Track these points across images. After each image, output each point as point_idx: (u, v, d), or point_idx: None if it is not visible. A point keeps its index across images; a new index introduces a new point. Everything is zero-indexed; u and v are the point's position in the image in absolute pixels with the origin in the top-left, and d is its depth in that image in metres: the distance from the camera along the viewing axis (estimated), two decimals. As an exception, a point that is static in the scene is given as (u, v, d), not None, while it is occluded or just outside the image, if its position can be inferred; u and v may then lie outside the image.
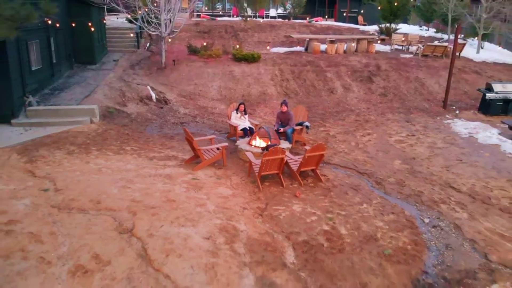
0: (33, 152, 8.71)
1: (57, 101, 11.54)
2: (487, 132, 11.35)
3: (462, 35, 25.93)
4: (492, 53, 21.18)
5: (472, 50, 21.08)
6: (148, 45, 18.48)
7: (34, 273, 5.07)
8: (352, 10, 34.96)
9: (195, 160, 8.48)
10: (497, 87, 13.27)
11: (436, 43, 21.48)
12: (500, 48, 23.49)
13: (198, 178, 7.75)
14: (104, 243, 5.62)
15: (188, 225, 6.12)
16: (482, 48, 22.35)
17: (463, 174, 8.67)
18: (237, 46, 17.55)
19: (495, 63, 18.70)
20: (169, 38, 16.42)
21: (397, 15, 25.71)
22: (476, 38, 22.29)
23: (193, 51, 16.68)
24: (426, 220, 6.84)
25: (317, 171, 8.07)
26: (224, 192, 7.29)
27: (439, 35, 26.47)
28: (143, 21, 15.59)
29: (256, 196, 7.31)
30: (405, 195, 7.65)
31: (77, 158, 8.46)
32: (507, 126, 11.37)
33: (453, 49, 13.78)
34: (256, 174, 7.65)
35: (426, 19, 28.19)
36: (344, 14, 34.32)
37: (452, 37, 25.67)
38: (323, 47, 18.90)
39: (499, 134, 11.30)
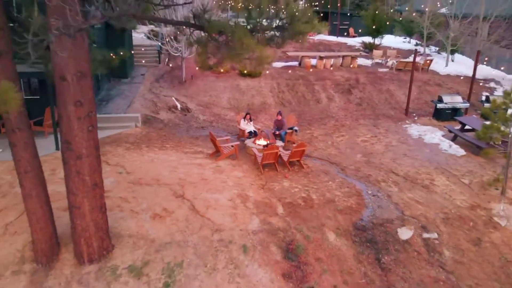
0: (102, 148, 12.39)
1: (107, 110, 15.23)
2: (433, 134, 15.04)
3: (437, 49, 29.71)
4: (460, 66, 24.73)
5: (443, 64, 24.74)
6: (167, 60, 22.18)
7: (129, 218, 8.77)
8: (343, 22, 38.70)
9: (216, 154, 12.16)
10: (446, 98, 16.97)
11: (409, 58, 25.14)
12: (471, 60, 27.13)
13: (220, 166, 11.44)
14: (168, 202, 9.32)
15: (217, 193, 9.82)
16: (452, 61, 26.04)
17: (403, 164, 12.38)
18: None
19: (458, 76, 22.38)
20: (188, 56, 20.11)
21: (380, 31, 29.46)
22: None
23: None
24: (369, 192, 10.55)
25: (301, 161, 11.76)
26: (238, 174, 10.99)
27: (419, 47, 30.19)
28: (166, 43, 19.26)
29: (259, 177, 11.00)
30: (358, 177, 11.35)
31: (134, 152, 12.14)
32: (447, 130, 15.08)
33: (412, 67, 17.48)
34: (259, 163, 11.34)
35: (408, 33, 31.91)
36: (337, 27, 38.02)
37: (427, 51, 29.49)
38: (314, 61, 22.61)
39: (442, 136, 14.99)
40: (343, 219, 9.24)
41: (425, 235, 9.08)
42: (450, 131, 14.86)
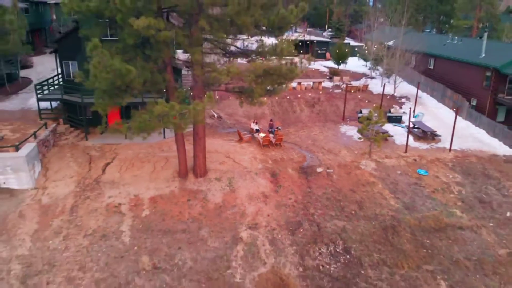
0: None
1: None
2: (352, 131, 28.43)
3: (383, 73, 43.04)
4: (391, 87, 37.95)
5: (379, 85, 37.97)
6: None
7: (210, 163, 22.23)
8: (322, 49, 52.17)
9: (240, 140, 25.55)
10: (363, 111, 30.34)
11: (359, 81, 38.54)
12: (405, 83, 40.32)
13: (242, 146, 24.88)
14: (223, 158, 22.76)
15: (243, 155, 23.29)
16: (394, 83, 39.29)
17: (329, 144, 25.80)
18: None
19: (386, 95, 35.69)
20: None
21: (343, 60, 42.92)
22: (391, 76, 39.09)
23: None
24: (309, 155, 24.01)
25: (281, 143, 25.19)
26: (251, 149, 24.41)
27: (371, 71, 43.56)
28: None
29: (261, 150, 24.42)
30: (307, 150, 24.81)
31: (208, 139, 25.51)
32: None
33: (345, 92, 30.87)
34: (261, 144, 24.76)
35: (364, 59, 45.31)
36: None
37: (373, 74, 42.81)
38: (294, 85, 35.87)
39: (356, 131, 28.37)
40: (296, 165, 22.68)
41: (328, 171, 22.50)
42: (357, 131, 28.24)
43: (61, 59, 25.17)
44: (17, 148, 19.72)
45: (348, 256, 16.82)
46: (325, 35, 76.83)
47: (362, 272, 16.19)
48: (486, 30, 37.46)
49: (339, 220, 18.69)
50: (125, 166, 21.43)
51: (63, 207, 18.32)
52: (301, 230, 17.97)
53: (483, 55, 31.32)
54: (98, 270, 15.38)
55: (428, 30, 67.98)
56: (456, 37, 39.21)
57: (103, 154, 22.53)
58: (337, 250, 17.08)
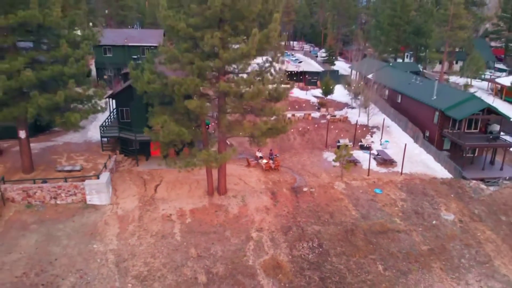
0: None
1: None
2: (331, 157, 37.71)
3: (360, 104, 52.37)
4: (372, 118, 47.23)
5: (361, 117, 47.24)
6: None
7: (228, 184, 31.54)
8: (314, 78, 61.53)
9: (248, 166, 34.79)
10: (341, 140, 39.59)
11: (336, 112, 47.84)
12: (381, 113, 49.58)
13: (250, 170, 34.13)
14: (237, 180, 32.00)
15: (250, 177, 32.60)
16: (367, 115, 48.61)
17: (314, 169, 35.07)
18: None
19: (361, 125, 44.99)
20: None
21: (329, 93, 52.27)
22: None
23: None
24: (298, 178, 33.29)
25: (278, 168, 34.44)
26: (256, 172, 33.68)
27: (353, 101, 52.88)
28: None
29: (264, 173, 33.69)
30: (298, 173, 34.08)
31: (219, 165, 34.80)
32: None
33: (327, 123, 40.19)
34: (264, 168, 34.01)
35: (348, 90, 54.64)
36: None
37: (354, 104, 52.10)
38: (289, 115, 45.06)
39: (333, 160, 37.65)
40: (288, 185, 31.96)
41: (311, 190, 31.73)
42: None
43: (117, 106, 34.34)
44: (98, 177, 28.96)
45: (320, 249, 26.07)
46: (320, 55, 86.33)
47: (329, 259, 25.43)
48: (437, 79, 46.87)
49: (317, 225, 27.95)
50: (170, 186, 30.67)
51: (133, 217, 27.53)
52: (291, 232, 27.22)
53: (435, 97, 40.67)
54: (163, 258, 24.57)
55: (407, 58, 77.39)
56: (419, 78, 48.59)
57: (153, 178, 31.76)
58: (314, 245, 26.33)
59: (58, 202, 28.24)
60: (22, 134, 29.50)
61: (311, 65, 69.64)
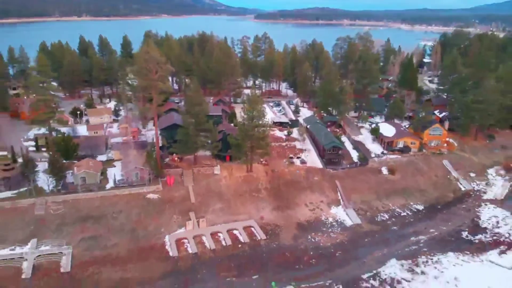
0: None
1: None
2: (286, 161, 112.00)
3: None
4: (305, 144, 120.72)
5: (300, 145, 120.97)
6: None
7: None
8: (285, 125, 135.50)
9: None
10: (289, 155, 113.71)
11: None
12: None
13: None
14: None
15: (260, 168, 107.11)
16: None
17: (278, 164, 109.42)
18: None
19: (299, 149, 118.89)
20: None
21: (290, 133, 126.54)
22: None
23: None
24: (275, 169, 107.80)
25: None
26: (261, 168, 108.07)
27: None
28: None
29: (264, 167, 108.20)
30: (273, 166, 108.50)
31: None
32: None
33: (286, 148, 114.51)
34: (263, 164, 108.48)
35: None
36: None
37: (299, 138, 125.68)
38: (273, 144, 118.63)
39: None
40: (270, 169, 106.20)
41: (276, 170, 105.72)
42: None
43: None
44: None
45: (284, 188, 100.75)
46: (294, 103, 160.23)
47: (282, 188, 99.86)
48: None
49: (279, 180, 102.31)
50: (234, 167, 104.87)
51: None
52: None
53: (322, 137, 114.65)
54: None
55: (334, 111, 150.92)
56: (320, 125, 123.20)
57: (239, 167, 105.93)
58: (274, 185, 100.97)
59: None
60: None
61: (286, 115, 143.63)
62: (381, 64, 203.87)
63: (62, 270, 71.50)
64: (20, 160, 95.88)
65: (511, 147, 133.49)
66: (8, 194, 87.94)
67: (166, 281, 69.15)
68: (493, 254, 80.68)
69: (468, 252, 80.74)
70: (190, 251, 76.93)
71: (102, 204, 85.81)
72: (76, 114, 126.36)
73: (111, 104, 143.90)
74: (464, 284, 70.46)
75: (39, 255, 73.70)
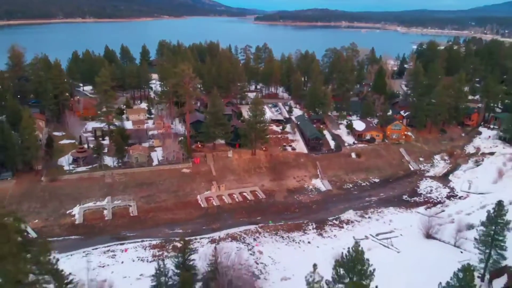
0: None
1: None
2: (281, 147, 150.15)
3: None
4: (295, 136, 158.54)
5: (291, 136, 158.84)
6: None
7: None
8: (280, 122, 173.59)
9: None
10: (284, 144, 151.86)
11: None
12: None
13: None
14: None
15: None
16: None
17: (276, 150, 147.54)
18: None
19: (291, 139, 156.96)
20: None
21: (284, 128, 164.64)
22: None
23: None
24: (272, 153, 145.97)
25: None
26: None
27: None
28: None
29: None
30: (272, 150, 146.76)
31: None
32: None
33: (281, 139, 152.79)
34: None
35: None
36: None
37: (291, 131, 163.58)
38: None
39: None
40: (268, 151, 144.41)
41: (275, 153, 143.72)
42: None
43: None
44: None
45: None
46: (289, 105, 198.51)
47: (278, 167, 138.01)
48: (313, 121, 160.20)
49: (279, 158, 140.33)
50: (242, 152, 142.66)
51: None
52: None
53: (307, 130, 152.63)
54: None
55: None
56: (306, 121, 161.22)
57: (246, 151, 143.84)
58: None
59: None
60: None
61: (282, 114, 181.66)
62: (365, 71, 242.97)
63: (131, 214, 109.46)
64: (85, 146, 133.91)
65: (458, 139, 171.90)
66: (84, 168, 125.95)
67: (201, 220, 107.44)
68: (420, 208, 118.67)
69: (404, 207, 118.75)
70: (215, 204, 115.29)
71: (151, 175, 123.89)
72: (122, 112, 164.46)
73: (144, 105, 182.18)
74: (395, 224, 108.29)
75: (114, 206, 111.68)
